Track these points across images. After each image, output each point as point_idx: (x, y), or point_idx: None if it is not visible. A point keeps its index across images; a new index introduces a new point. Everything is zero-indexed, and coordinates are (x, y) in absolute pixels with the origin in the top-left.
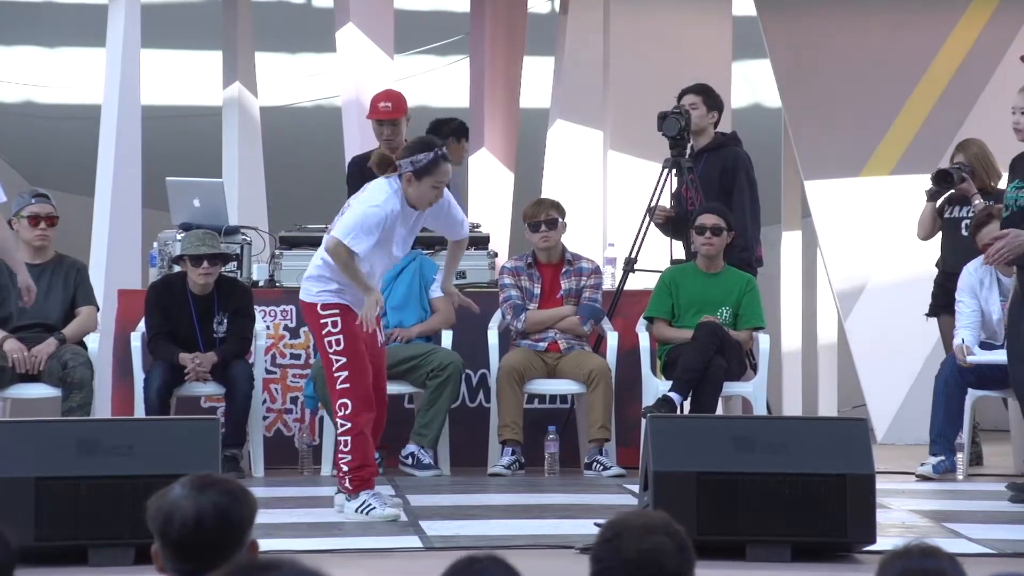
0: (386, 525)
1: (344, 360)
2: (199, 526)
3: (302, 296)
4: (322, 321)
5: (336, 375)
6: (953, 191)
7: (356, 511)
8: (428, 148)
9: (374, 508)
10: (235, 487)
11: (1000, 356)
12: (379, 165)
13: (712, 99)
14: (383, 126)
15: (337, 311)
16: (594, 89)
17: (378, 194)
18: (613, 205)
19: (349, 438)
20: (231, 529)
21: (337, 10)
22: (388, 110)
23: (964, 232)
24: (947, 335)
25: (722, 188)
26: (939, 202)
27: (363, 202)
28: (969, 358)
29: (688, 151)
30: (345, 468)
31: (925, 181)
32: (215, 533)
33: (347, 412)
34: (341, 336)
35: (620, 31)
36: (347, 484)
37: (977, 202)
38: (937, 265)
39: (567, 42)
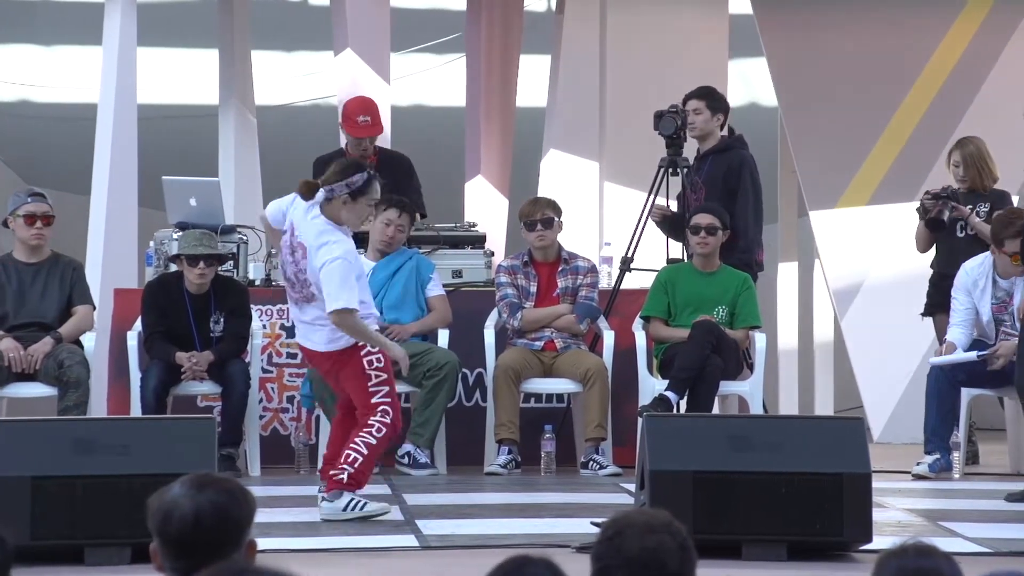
0: (383, 524)
1: (384, 376)
2: (198, 524)
3: (322, 348)
4: (362, 353)
5: (377, 389)
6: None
7: (345, 509)
8: (360, 169)
9: (366, 503)
10: (234, 486)
11: (963, 356)
12: (308, 191)
13: (716, 102)
14: (362, 139)
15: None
16: (590, 86)
17: (341, 241)
18: (610, 204)
19: (375, 440)
20: (230, 528)
21: (334, 9)
22: (368, 124)
23: (959, 233)
24: (942, 334)
25: (726, 189)
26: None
27: (335, 253)
28: (932, 360)
29: (696, 152)
30: (350, 468)
31: (922, 181)
32: (213, 532)
33: (387, 419)
34: (382, 357)
35: (616, 29)
36: (340, 479)
37: (975, 220)
38: (932, 265)
39: (563, 40)
